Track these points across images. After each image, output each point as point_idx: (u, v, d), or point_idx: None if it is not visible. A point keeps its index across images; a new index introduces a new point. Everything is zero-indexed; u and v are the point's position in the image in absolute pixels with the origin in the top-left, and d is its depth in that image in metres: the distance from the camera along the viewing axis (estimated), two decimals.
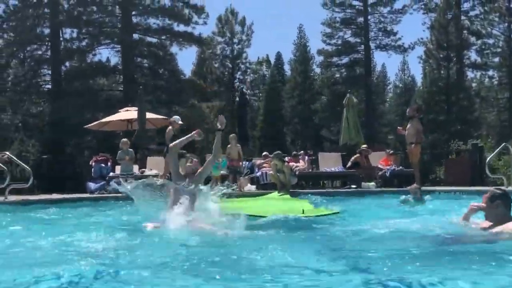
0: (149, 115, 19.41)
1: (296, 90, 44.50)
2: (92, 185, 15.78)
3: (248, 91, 48.37)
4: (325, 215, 8.26)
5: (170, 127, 13.73)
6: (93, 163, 16.59)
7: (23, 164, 12.50)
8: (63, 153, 26.92)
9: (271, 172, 14.10)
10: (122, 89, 30.07)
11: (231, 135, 15.44)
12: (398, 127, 15.63)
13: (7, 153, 12.78)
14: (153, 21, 30.51)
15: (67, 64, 30.90)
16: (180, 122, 13.97)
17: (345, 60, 41.27)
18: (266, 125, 42.04)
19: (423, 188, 13.48)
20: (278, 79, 47.17)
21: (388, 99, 52.91)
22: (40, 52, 30.54)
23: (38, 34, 29.50)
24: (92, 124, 19.89)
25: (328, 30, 40.80)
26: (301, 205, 9.70)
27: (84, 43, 30.04)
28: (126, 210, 8.71)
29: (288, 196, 12.64)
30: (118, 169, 15.70)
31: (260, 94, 48.08)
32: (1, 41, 30.51)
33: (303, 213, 8.32)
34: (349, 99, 17.43)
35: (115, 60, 31.59)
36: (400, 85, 52.63)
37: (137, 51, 30.21)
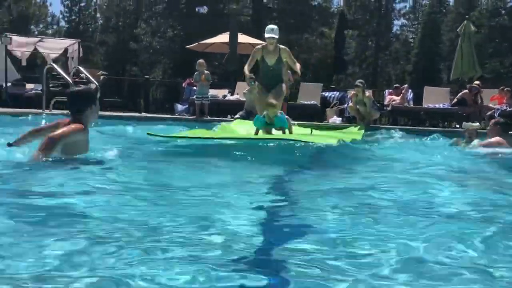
0: (252, 39, 18.40)
1: (457, 23, 40.66)
2: (179, 107, 15.72)
3: (395, 20, 45.15)
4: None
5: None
6: (185, 85, 16.34)
7: (92, 78, 12.53)
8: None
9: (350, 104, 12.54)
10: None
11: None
12: None
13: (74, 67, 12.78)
14: None
15: None
16: (270, 35, 8.81)
17: None
18: (420, 60, 39.04)
19: None
20: (439, 10, 43.34)
21: None
22: None
23: None
24: (193, 44, 19.42)
25: None
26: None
27: None
28: None
29: (360, 130, 10.80)
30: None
31: (418, 25, 44.74)
32: None
33: (311, 133, 7.76)
34: (465, 26, 14.87)
35: None
36: None
37: None
